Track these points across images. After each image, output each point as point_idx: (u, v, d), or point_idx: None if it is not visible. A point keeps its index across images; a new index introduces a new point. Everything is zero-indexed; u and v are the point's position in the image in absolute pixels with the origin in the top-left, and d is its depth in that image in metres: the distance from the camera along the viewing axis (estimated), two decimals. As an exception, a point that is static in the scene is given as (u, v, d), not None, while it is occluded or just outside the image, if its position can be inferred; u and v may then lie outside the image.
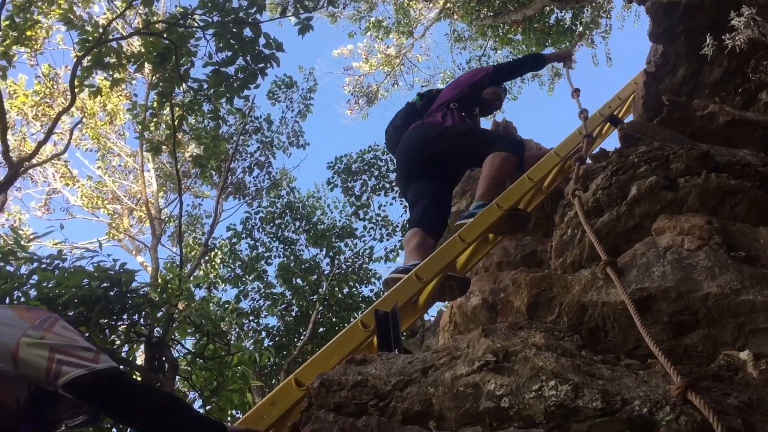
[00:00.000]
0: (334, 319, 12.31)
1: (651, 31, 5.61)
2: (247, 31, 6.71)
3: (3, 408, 1.99)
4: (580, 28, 12.80)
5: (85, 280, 5.50)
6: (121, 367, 5.70)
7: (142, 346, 6.20)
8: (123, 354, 5.98)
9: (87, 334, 5.25)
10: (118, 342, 5.87)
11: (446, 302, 4.32)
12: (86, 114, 15.38)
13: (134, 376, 5.96)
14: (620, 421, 1.67)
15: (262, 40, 6.87)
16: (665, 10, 5.33)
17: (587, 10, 12.42)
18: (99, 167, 17.21)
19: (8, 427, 2.01)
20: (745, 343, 2.17)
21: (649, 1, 5.46)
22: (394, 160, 5.15)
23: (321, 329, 12.27)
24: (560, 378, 1.84)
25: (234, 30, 6.61)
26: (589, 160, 4.46)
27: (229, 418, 6.76)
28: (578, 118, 5.09)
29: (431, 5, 16.07)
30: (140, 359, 6.71)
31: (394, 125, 5.34)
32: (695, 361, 2.21)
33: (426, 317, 8.11)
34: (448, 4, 14.85)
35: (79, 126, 15.41)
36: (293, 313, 12.95)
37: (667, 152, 3.17)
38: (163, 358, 5.96)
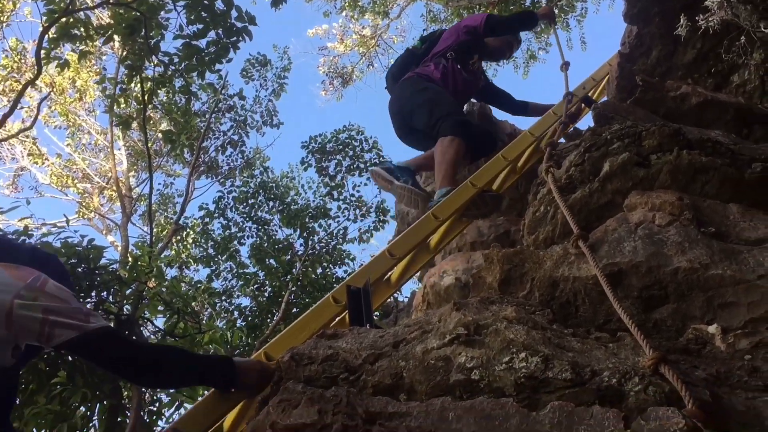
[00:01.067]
0: (307, 300, 12.25)
1: (626, 11, 5.62)
2: (219, 4, 6.59)
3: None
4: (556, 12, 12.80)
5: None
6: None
7: (111, 324, 6.11)
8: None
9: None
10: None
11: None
12: (55, 90, 15.07)
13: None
14: (589, 392, 1.67)
15: (234, 13, 6.77)
16: (640, -10, 5.34)
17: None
18: (68, 145, 16.91)
19: None
20: (714, 317, 2.19)
21: (626, -21, 5.46)
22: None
23: (294, 310, 12.22)
24: (530, 350, 1.84)
25: (206, 2, 6.49)
26: (563, 140, 4.48)
27: (199, 397, 6.72)
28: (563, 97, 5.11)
29: (408, -15, 15.96)
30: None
31: (391, 72, 5.44)
32: (664, 335, 2.22)
33: (400, 297, 8.12)
34: (425, -16, 14.76)
35: (48, 102, 15.10)
36: (266, 294, 12.87)
37: (639, 129, 3.17)
38: (133, 336, 5.88)
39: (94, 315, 2.16)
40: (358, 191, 14.14)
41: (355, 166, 14.06)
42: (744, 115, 4.22)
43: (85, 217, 16.69)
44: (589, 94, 5.56)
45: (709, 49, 5.00)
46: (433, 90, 4.85)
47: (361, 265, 4.95)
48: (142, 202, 15.95)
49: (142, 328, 6.39)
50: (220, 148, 15.16)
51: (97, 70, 14.90)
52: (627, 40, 5.74)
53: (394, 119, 5.10)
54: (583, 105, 5.43)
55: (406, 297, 8.37)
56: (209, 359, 2.44)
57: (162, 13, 6.87)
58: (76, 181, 16.87)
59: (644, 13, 5.40)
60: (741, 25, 4.22)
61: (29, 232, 5.97)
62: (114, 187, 15.47)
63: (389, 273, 3.51)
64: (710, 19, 4.14)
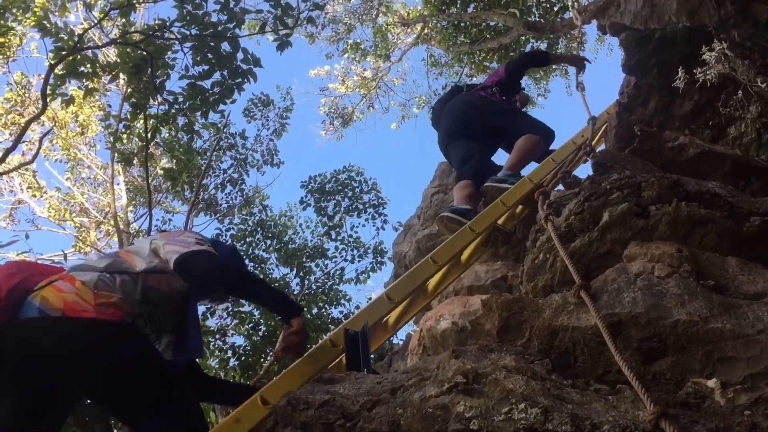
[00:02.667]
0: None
1: (624, 62, 5.71)
2: (225, 46, 6.68)
3: (171, 296, 2.68)
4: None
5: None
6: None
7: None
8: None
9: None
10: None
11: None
12: (57, 124, 15.17)
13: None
14: (589, 446, 1.65)
15: (240, 55, 6.86)
16: (638, 42, 5.43)
17: (562, 40, 12.63)
18: (68, 178, 16.94)
19: (180, 306, 2.72)
20: (713, 371, 2.18)
21: (623, 33, 5.57)
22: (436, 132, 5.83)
23: (288, 352, 12.11)
24: (530, 401, 1.83)
25: (212, 44, 6.58)
26: (560, 187, 4.51)
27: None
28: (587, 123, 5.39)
29: (409, 30, 16.23)
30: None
31: (441, 100, 6.04)
32: (664, 388, 2.21)
33: (395, 340, 8.07)
34: (426, 30, 15.01)
35: (49, 136, 15.18)
36: (261, 333, 12.78)
37: (639, 180, 3.20)
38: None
39: (206, 244, 2.75)
40: (356, 232, 14.18)
41: (353, 206, 14.11)
42: (741, 167, 4.26)
43: (82, 251, 16.63)
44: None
45: (706, 102, 5.08)
46: (509, 103, 5.59)
47: (357, 306, 5.01)
48: (139, 237, 15.93)
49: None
50: (219, 185, 15.21)
51: (101, 105, 15.02)
52: (625, 90, 5.82)
53: (450, 121, 5.54)
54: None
55: (401, 339, 8.33)
56: (284, 295, 3.03)
57: (169, 53, 6.96)
58: (73, 214, 16.86)
59: (642, 64, 5.49)
60: (738, 79, 4.30)
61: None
62: (111, 222, 15.46)
63: (387, 317, 3.50)
64: (708, 72, 4.22)
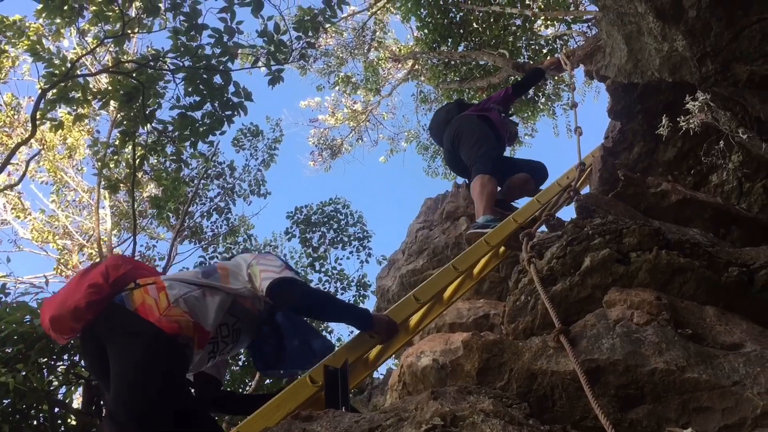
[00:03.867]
0: (281, 371, 12.05)
1: (610, 108, 5.82)
2: (217, 78, 6.74)
3: (254, 314, 3.11)
4: (542, 100, 13.20)
5: (27, 316, 5.31)
6: (56, 410, 5.49)
7: (80, 389, 5.96)
8: (60, 396, 5.73)
9: (23, 373, 5.05)
10: (55, 383, 5.63)
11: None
12: (45, 146, 15.13)
13: (69, 421, 5.72)
14: (564, 494, 1.66)
15: (231, 88, 6.92)
16: (624, 89, 5.55)
17: (550, 82, 12.82)
18: (53, 201, 16.85)
19: (257, 327, 3.19)
20: (689, 421, 2.20)
21: (609, 79, 5.68)
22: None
23: (267, 381, 12.00)
24: (507, 446, 1.83)
25: (204, 76, 6.63)
26: (544, 228, 4.55)
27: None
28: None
29: (400, 66, 16.42)
30: (77, 402, 6.45)
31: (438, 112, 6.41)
32: (640, 436, 2.23)
33: (375, 374, 8.02)
34: (417, 66, 15.20)
35: (36, 158, 15.13)
36: (240, 363, 12.65)
37: (620, 226, 3.25)
38: (101, 402, 5.74)
39: (288, 269, 3.12)
40: (339, 264, 14.15)
41: (338, 239, 14.11)
42: (722, 215, 4.32)
43: (63, 274, 16.47)
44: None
45: (689, 149, 5.18)
46: (474, 125, 5.69)
47: (339, 338, 5.00)
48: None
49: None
50: (205, 213, 15.20)
51: (90, 129, 15.02)
52: (611, 135, 5.92)
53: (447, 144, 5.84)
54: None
55: (381, 374, 8.28)
56: (355, 308, 3.57)
57: (161, 82, 7.00)
58: (56, 237, 16.73)
59: (627, 110, 5.60)
60: (720, 128, 4.39)
61: (5, 290, 5.89)
62: (95, 246, 15.34)
63: (368, 353, 3.50)
64: (691, 121, 4.30)
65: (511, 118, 6.33)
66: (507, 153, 6.51)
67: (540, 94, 13.32)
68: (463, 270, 4.04)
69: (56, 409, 5.53)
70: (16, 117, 14.76)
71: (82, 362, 5.72)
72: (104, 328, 2.75)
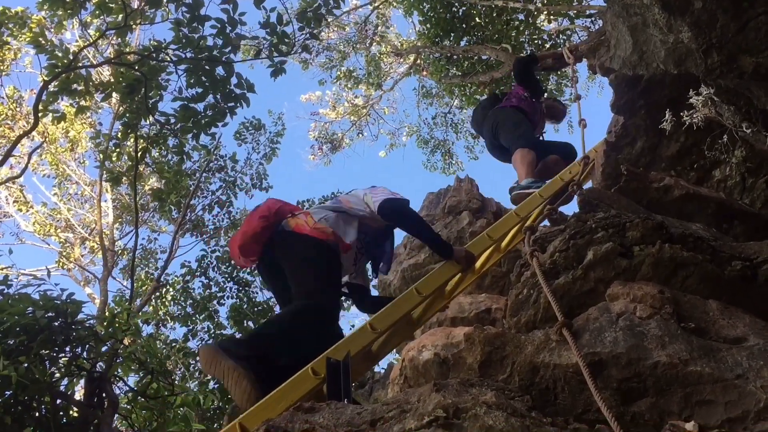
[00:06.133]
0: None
1: (613, 102, 5.80)
2: (220, 70, 6.72)
3: (374, 230, 4.04)
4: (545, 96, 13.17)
5: (30, 308, 5.32)
6: (58, 402, 5.50)
7: (83, 381, 5.97)
8: (62, 388, 5.74)
9: (26, 365, 5.06)
10: (58, 375, 5.64)
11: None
12: (47, 139, 15.12)
13: (71, 412, 5.73)
14: (566, 486, 1.66)
15: (233, 80, 6.90)
16: (627, 83, 5.53)
17: (553, 77, 12.80)
18: (55, 194, 16.85)
19: (377, 240, 4.14)
20: (692, 414, 2.19)
21: (613, 74, 5.66)
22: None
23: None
24: (509, 438, 1.83)
25: (206, 67, 6.61)
26: (546, 223, 4.55)
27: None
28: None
29: (402, 60, 16.40)
30: (79, 394, 6.47)
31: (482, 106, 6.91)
32: (642, 429, 2.22)
33: (376, 368, 8.02)
34: (419, 61, 15.17)
35: (39, 151, 15.12)
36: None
37: (623, 220, 3.24)
38: (103, 395, 5.74)
39: (395, 194, 3.98)
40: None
41: (340, 233, 14.05)
42: (725, 210, 4.31)
43: (65, 267, 16.49)
44: (575, 178, 5.61)
45: (692, 144, 5.16)
46: (507, 112, 6.27)
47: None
48: (124, 256, 15.81)
49: (113, 386, 6.24)
50: (207, 207, 15.18)
51: (92, 122, 15.01)
52: (614, 129, 5.90)
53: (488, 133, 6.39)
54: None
55: (382, 368, 8.27)
56: (440, 239, 4.20)
57: (163, 74, 6.99)
58: (58, 230, 16.74)
59: (631, 105, 5.58)
60: (724, 123, 4.37)
61: (8, 282, 5.89)
62: (96, 239, 15.36)
63: (370, 346, 3.49)
64: (695, 115, 4.28)
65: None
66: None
67: (544, 88, 13.29)
68: (462, 266, 4.03)
69: (58, 401, 5.54)
70: (18, 109, 14.75)
71: (84, 354, 5.74)
72: (275, 246, 3.76)
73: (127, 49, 8.33)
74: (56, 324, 5.42)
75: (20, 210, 16.59)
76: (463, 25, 11.67)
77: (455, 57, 12.21)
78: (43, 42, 6.89)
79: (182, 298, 13.71)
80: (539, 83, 6.92)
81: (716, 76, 3.56)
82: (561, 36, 11.66)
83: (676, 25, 3.61)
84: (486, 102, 6.85)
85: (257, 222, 3.80)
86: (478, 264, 4.29)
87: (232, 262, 13.62)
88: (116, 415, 6.16)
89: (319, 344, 3.15)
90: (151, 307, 13.90)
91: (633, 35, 4.53)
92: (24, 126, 13.83)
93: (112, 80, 7.15)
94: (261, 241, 3.78)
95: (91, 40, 8.74)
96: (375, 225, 4.06)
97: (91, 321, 5.92)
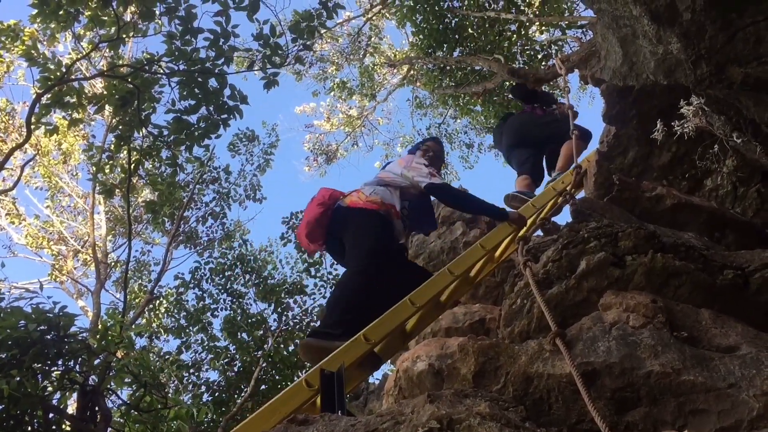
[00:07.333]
0: (277, 377, 11.99)
1: (605, 113, 5.82)
2: (213, 82, 6.72)
3: (415, 196, 4.55)
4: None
5: (22, 321, 5.28)
6: (50, 415, 5.46)
7: (75, 394, 5.93)
8: (54, 401, 5.69)
9: (18, 379, 5.02)
10: (50, 388, 5.60)
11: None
12: (40, 151, 15.09)
13: (63, 426, 5.69)
14: (560, 497, 1.65)
15: (227, 92, 6.90)
16: (619, 94, 5.55)
17: (545, 87, 12.84)
18: (48, 206, 16.80)
19: (419, 205, 4.65)
20: (685, 424, 2.20)
21: (605, 83, 5.69)
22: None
23: (263, 386, 11.96)
24: (503, 449, 1.83)
25: (199, 79, 6.62)
26: (540, 233, 4.56)
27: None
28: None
29: (395, 71, 16.46)
30: (72, 408, 6.42)
31: (499, 125, 7.54)
32: (636, 439, 2.22)
33: (370, 380, 8.00)
34: (412, 72, 15.23)
35: (31, 163, 15.08)
36: (236, 368, 12.61)
37: (616, 230, 3.25)
38: (96, 408, 5.71)
39: (436, 177, 4.60)
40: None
41: (334, 244, 14.03)
42: (717, 219, 4.34)
43: (57, 280, 16.40)
44: (568, 188, 5.63)
45: (684, 154, 5.18)
46: (551, 115, 6.97)
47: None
48: (117, 269, 15.75)
49: (106, 400, 6.20)
50: (201, 218, 15.15)
51: (85, 135, 14.98)
52: (605, 139, 5.92)
53: (510, 136, 6.99)
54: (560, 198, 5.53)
55: (376, 379, 8.25)
56: (491, 205, 4.56)
57: (156, 86, 6.98)
58: (51, 242, 16.67)
59: (622, 115, 5.60)
60: (714, 133, 4.39)
61: (1, 295, 5.86)
62: (89, 251, 15.29)
63: (364, 357, 3.48)
64: (686, 125, 4.30)
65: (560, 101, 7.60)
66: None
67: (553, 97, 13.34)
68: (459, 274, 4.03)
69: (51, 415, 5.49)
70: (10, 122, 14.73)
71: (77, 368, 5.71)
72: (336, 224, 4.29)
73: (120, 62, 8.34)
74: (48, 337, 5.38)
75: (12, 223, 16.52)
76: (456, 36, 11.72)
77: (448, 68, 12.26)
78: (35, 55, 6.88)
79: (176, 311, 13.67)
80: (545, 95, 7.62)
81: (706, 87, 3.58)
82: (553, 46, 11.72)
83: (666, 36, 3.64)
84: (499, 123, 7.55)
85: (316, 209, 4.33)
86: (472, 273, 4.29)
87: (227, 273, 13.61)
88: (109, 429, 6.11)
89: (394, 287, 3.75)
90: (144, 320, 13.85)
91: (623, 46, 4.56)
92: (17, 138, 13.82)
93: (105, 93, 7.12)
94: (323, 224, 4.32)
95: (84, 53, 8.74)
96: (413, 191, 4.57)
97: (84, 334, 5.88)
